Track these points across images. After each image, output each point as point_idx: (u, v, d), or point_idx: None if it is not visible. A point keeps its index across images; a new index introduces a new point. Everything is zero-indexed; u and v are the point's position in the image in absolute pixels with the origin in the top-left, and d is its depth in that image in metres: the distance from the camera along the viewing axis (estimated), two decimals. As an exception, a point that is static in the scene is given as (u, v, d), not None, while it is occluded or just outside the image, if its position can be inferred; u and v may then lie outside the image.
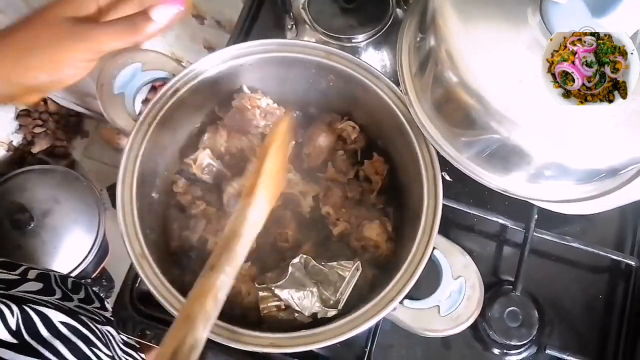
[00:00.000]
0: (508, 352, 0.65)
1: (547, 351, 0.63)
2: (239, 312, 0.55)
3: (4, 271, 0.67)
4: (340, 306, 0.54)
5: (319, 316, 0.53)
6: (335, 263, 0.55)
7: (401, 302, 0.49)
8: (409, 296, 0.49)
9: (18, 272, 0.69)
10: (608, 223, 0.70)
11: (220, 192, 0.61)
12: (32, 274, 0.70)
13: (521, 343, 0.64)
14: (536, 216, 0.67)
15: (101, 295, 0.80)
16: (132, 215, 0.52)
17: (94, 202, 1.35)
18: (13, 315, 0.52)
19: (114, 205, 1.38)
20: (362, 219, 0.59)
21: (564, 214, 0.66)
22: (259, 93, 0.60)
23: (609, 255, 0.67)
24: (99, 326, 0.64)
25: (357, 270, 0.55)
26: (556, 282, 0.68)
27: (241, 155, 0.61)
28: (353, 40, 0.64)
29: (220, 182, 0.61)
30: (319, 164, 0.62)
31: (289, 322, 0.54)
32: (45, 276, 0.71)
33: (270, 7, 0.76)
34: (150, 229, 0.54)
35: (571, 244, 0.67)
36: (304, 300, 0.53)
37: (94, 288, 0.82)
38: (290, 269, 0.54)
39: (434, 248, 0.51)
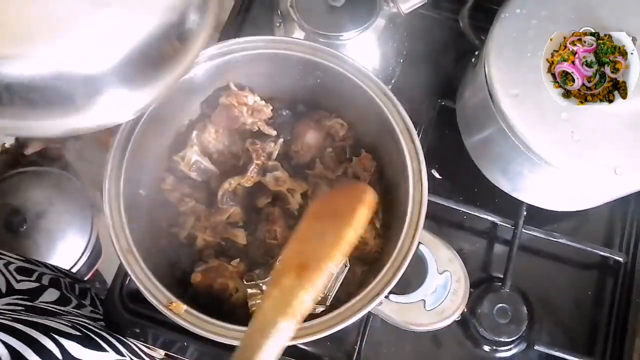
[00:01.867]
0: (498, 348, 0.65)
1: (536, 347, 0.63)
2: (227, 309, 0.55)
3: (24, 278, 0.67)
4: (328, 302, 0.54)
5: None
6: None
7: (387, 297, 0.49)
8: (395, 291, 0.50)
9: (35, 277, 0.69)
10: (597, 219, 0.71)
11: (208, 189, 0.61)
12: (45, 279, 0.71)
13: (511, 339, 0.64)
14: (525, 213, 0.67)
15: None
16: (119, 211, 0.52)
17: (88, 205, 1.35)
18: None
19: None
20: None
21: (552, 210, 0.66)
22: (246, 90, 0.60)
23: (597, 251, 0.67)
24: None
25: (345, 266, 0.55)
26: (545, 278, 0.69)
27: (229, 153, 0.61)
28: (341, 38, 0.64)
29: (208, 179, 0.61)
30: (307, 161, 0.62)
31: None
32: (57, 282, 0.72)
33: (260, 5, 0.76)
34: (138, 225, 0.53)
35: (560, 240, 0.67)
36: None
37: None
38: (277, 265, 0.54)
39: (419, 243, 0.51)
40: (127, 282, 0.65)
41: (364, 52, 0.66)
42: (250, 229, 0.59)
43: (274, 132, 0.61)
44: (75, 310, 0.68)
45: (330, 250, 0.42)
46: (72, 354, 0.56)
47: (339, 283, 0.54)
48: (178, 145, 0.61)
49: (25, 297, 0.64)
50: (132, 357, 0.64)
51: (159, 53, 0.43)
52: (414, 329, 0.50)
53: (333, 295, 0.54)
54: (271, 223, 0.58)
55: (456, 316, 0.50)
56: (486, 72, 0.57)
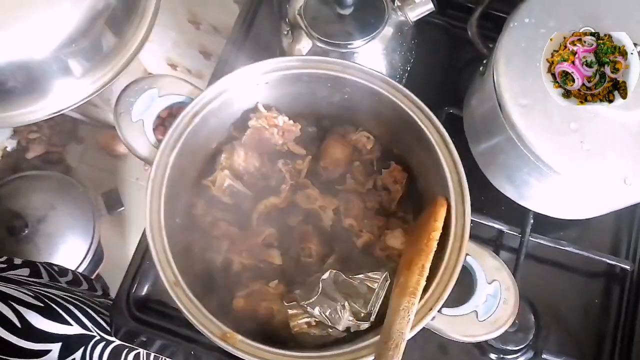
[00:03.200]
0: (505, 357, 0.65)
1: (544, 356, 0.64)
2: (270, 332, 0.54)
3: None
4: (372, 318, 0.53)
5: (352, 330, 0.53)
6: (362, 275, 0.55)
7: (439, 311, 0.49)
8: (446, 304, 0.50)
9: (3, 259, 0.69)
10: (603, 227, 0.71)
11: (240, 211, 0.60)
12: (17, 261, 0.70)
13: (518, 348, 0.64)
14: (532, 221, 0.67)
15: (90, 278, 0.80)
16: (163, 244, 0.50)
17: (89, 209, 1.35)
18: None
19: (109, 211, 1.39)
20: (384, 229, 0.59)
21: (559, 218, 0.66)
22: (274, 110, 0.60)
23: (604, 259, 0.67)
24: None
25: (386, 281, 0.54)
26: (552, 286, 0.69)
27: (260, 174, 0.60)
28: (349, 46, 0.64)
29: (239, 202, 0.60)
30: (336, 176, 0.61)
31: (322, 337, 0.53)
32: (31, 263, 0.72)
33: (266, 12, 0.76)
34: (177, 254, 0.52)
35: (567, 248, 0.67)
36: (336, 315, 0.52)
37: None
38: (320, 285, 0.53)
39: (466, 254, 0.51)
40: (134, 290, 0.64)
41: (371, 60, 0.66)
42: (284, 248, 0.59)
43: (304, 151, 0.61)
44: (47, 283, 0.68)
45: (425, 244, 0.51)
46: (32, 323, 0.55)
47: (381, 298, 0.54)
48: (206, 170, 0.60)
49: None
50: (101, 334, 0.63)
51: (95, 42, 0.47)
52: (467, 341, 0.50)
53: (376, 311, 0.53)
54: (306, 241, 0.58)
55: (509, 325, 0.50)
56: (495, 82, 0.57)
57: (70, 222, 1.33)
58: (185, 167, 0.57)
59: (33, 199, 1.31)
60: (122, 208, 1.39)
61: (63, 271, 0.78)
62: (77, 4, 0.45)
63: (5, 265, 0.69)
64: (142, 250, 0.66)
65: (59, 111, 0.49)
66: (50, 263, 0.77)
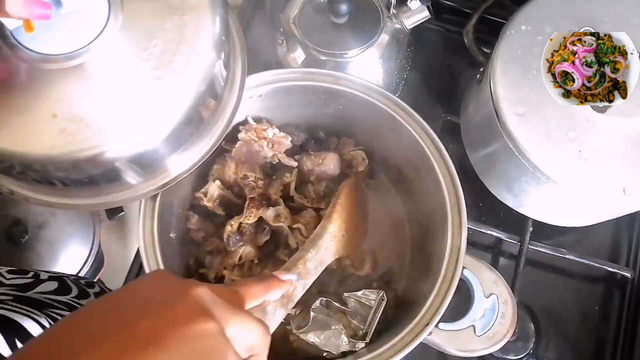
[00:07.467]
0: (505, 366, 0.65)
1: (544, 364, 0.63)
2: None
3: (16, 276, 0.67)
4: (368, 338, 0.53)
5: (349, 349, 0.53)
6: (360, 293, 0.55)
7: (436, 326, 0.49)
8: (444, 319, 0.49)
9: (30, 275, 0.69)
10: (603, 234, 0.70)
11: None
12: (44, 275, 0.70)
13: (518, 357, 0.63)
14: (531, 228, 0.67)
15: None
16: (157, 261, 0.50)
17: (89, 214, 1.35)
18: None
19: (109, 217, 1.38)
20: None
21: (558, 225, 0.66)
22: (264, 123, 0.59)
23: (604, 267, 0.67)
24: None
25: (382, 300, 0.55)
26: (552, 293, 0.68)
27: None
28: (344, 55, 0.63)
29: (232, 213, 0.60)
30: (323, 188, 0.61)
31: (319, 357, 0.53)
32: (57, 277, 0.71)
33: (260, 22, 0.76)
34: (172, 269, 0.53)
35: (566, 255, 0.67)
36: (331, 339, 0.52)
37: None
38: (311, 314, 0.53)
39: (463, 267, 0.50)
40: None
41: (367, 69, 0.66)
42: (270, 265, 0.58)
43: (295, 163, 0.60)
44: (74, 299, 0.67)
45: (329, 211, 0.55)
46: None
47: (378, 316, 0.54)
48: (199, 182, 0.60)
49: (15, 289, 0.63)
50: None
51: (200, 115, 0.47)
52: (465, 355, 0.50)
53: (372, 331, 0.54)
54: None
55: (507, 339, 0.49)
56: (492, 90, 0.56)
57: (71, 228, 1.32)
58: (179, 182, 0.56)
59: (33, 206, 1.31)
60: (123, 213, 1.39)
61: (90, 284, 0.77)
62: (183, 97, 0.44)
63: (33, 280, 0.68)
64: (139, 263, 0.66)
65: (167, 184, 0.50)
66: (77, 277, 0.76)
